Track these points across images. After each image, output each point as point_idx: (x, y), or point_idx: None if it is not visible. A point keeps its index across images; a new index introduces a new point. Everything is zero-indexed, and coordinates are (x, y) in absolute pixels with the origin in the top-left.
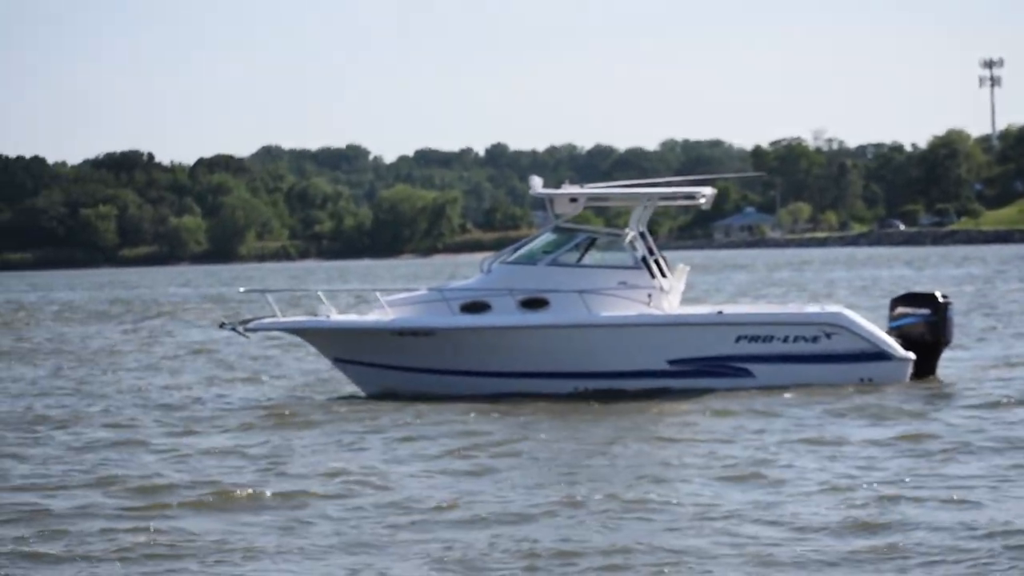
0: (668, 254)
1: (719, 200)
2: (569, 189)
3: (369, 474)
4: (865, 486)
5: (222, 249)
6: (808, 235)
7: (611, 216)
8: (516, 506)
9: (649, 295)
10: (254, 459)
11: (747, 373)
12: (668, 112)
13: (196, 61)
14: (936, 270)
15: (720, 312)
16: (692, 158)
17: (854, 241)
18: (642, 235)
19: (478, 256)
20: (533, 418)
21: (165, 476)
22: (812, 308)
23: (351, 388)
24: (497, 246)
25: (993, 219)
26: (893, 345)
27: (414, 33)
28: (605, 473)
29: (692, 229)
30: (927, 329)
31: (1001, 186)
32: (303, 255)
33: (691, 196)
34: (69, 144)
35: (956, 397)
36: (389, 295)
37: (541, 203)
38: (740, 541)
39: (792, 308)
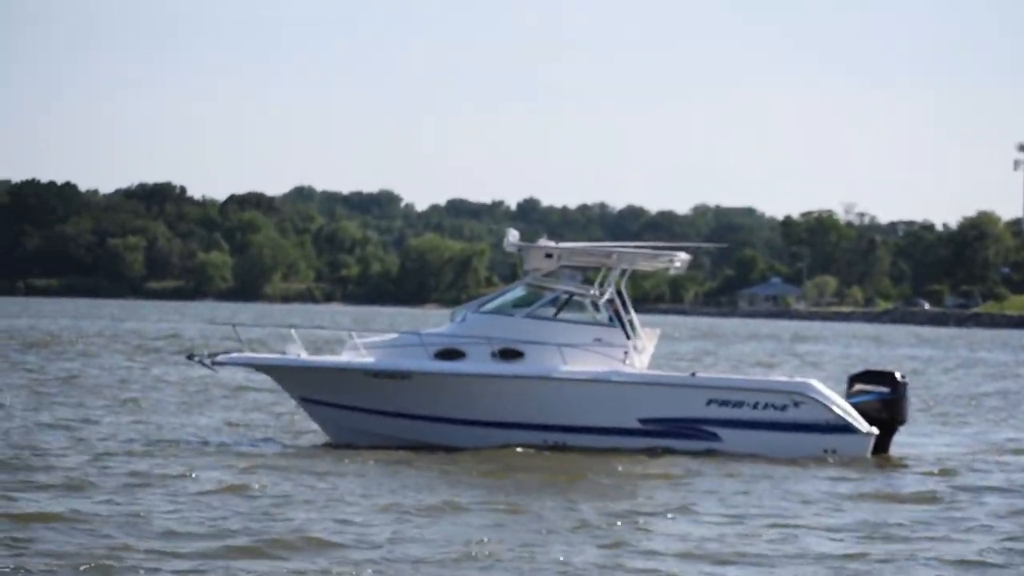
0: (693, 319)
1: (746, 269)
2: (545, 244)
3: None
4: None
5: (248, 287)
6: (833, 308)
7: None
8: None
9: (625, 353)
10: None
11: (715, 437)
12: (701, 177)
13: (234, 95)
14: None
15: (693, 374)
16: (723, 224)
17: (878, 318)
18: (619, 295)
19: None
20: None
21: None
22: (782, 377)
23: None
24: None
25: (1018, 304)
26: (858, 419)
27: (454, 82)
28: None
29: (718, 296)
30: (884, 407)
31: None
32: (328, 298)
33: (666, 260)
34: (101, 172)
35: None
36: (363, 338)
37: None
38: None
39: (763, 376)
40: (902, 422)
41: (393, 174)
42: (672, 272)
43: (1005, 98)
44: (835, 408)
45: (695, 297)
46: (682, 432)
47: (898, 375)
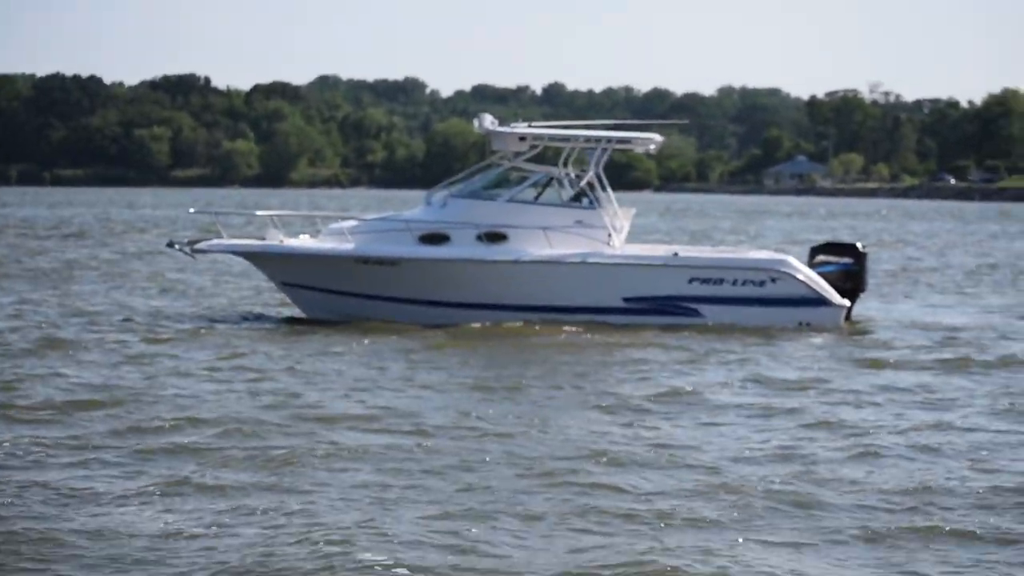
0: (719, 198)
1: (772, 148)
2: (518, 127)
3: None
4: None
5: (274, 174)
6: (858, 185)
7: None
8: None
9: (608, 234)
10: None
11: (697, 313)
12: (727, 58)
13: None
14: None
15: (676, 254)
16: (748, 105)
17: (904, 193)
18: (598, 176)
19: None
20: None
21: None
22: (760, 254)
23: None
24: None
25: None
26: (831, 292)
27: None
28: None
29: (744, 174)
30: (847, 277)
31: None
32: (354, 183)
33: (639, 142)
34: (126, 64)
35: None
36: (346, 222)
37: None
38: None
39: (742, 253)
40: (863, 291)
41: (418, 61)
42: (641, 151)
43: None
44: (810, 282)
45: (720, 176)
46: (665, 309)
47: (859, 246)
